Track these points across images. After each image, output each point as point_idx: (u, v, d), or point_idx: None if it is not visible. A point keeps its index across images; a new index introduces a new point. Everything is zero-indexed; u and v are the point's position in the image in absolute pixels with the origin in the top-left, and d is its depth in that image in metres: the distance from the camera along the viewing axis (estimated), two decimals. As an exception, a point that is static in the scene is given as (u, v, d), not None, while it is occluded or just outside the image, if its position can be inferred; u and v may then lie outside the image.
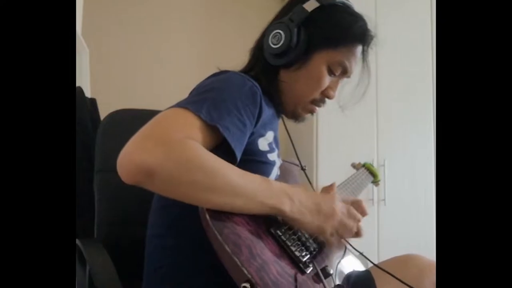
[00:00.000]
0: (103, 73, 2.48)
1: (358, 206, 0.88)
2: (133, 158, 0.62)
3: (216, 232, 0.63)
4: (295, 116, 0.96)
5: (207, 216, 0.65)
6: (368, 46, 0.93)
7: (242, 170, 0.70)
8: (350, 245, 0.86)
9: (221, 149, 0.72)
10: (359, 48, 0.92)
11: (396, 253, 0.99)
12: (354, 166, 1.25)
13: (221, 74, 0.84)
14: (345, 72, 0.92)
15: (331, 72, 0.90)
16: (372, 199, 2.38)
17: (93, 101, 1.19)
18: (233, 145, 0.72)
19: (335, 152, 2.35)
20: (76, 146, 1.06)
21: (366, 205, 0.92)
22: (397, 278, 0.80)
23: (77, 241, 0.96)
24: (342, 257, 0.89)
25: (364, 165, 1.23)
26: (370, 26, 0.93)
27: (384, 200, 2.39)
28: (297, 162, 1.04)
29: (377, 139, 2.45)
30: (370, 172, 1.23)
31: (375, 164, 2.41)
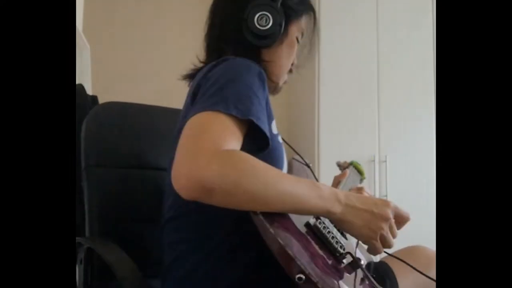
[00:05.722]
0: (104, 70, 2.48)
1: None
2: (192, 175, 0.64)
3: (269, 227, 0.64)
4: (277, 90, 1.00)
5: (259, 213, 0.66)
6: (314, 11, 1.01)
7: (290, 175, 0.72)
8: None
9: (251, 136, 0.74)
10: (311, 14, 1.00)
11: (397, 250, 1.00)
12: (339, 165, 1.24)
13: (224, 62, 0.83)
14: (302, 38, 0.99)
15: (297, 40, 0.98)
16: (374, 196, 2.38)
17: (94, 99, 1.19)
18: (267, 133, 0.74)
19: (337, 149, 2.35)
20: (78, 144, 1.06)
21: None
22: (412, 267, 0.82)
23: (82, 239, 0.96)
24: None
25: (351, 163, 1.22)
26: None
27: (386, 196, 2.39)
28: (304, 160, 1.07)
29: (379, 136, 2.45)
30: (358, 170, 1.22)
31: (375, 161, 2.41)
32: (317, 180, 1.05)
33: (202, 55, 1.00)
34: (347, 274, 0.74)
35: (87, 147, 1.04)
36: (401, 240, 1.04)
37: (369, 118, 2.45)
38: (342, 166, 1.20)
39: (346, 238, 0.85)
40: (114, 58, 2.60)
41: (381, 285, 0.87)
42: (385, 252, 0.87)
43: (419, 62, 2.51)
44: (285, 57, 0.96)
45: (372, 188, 2.39)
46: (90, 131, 1.05)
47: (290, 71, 1.00)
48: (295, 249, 0.64)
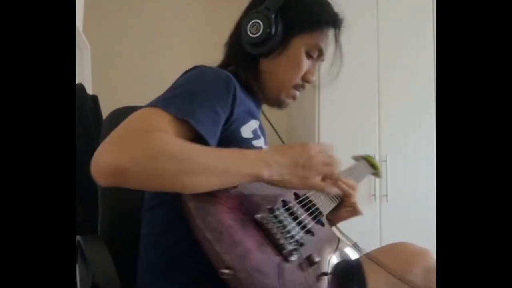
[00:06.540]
0: (104, 70, 2.48)
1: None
2: (104, 160, 0.63)
3: (197, 220, 0.63)
4: (279, 104, 0.98)
5: (189, 205, 0.65)
6: (339, 29, 0.97)
7: (215, 148, 0.71)
8: (344, 234, 0.87)
9: (197, 141, 0.73)
10: (332, 31, 0.96)
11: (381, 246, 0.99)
12: (355, 158, 1.25)
13: (192, 69, 0.85)
14: (320, 55, 0.96)
15: (309, 56, 0.94)
16: (374, 195, 2.38)
17: (94, 98, 1.19)
18: (206, 136, 0.73)
19: (337, 148, 2.34)
20: (78, 142, 1.06)
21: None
22: (382, 267, 0.80)
23: (79, 238, 0.96)
24: (336, 249, 0.88)
25: (364, 157, 1.23)
26: (337, 10, 0.98)
27: (386, 196, 2.39)
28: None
29: (379, 135, 2.45)
30: (371, 164, 1.22)
31: (377, 160, 2.41)
32: None
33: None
34: (297, 271, 0.70)
35: None
36: (402, 239, 1.04)
37: (369, 118, 2.45)
38: (357, 159, 1.21)
39: (312, 234, 0.83)
40: (114, 58, 2.60)
41: (347, 284, 0.85)
42: (362, 252, 0.86)
43: (419, 62, 2.51)
44: (284, 70, 0.93)
45: (372, 187, 2.39)
46: (106, 135, 1.07)
47: (302, 86, 0.97)
48: (226, 243, 0.62)
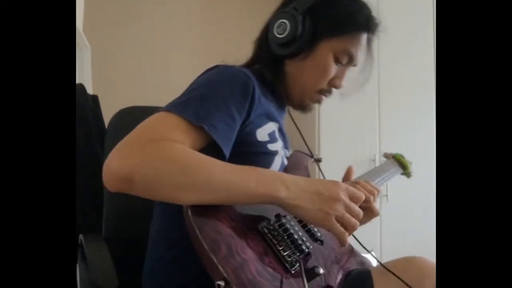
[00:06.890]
0: (104, 70, 2.48)
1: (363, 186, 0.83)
2: (111, 166, 0.63)
3: (196, 228, 0.62)
4: (302, 107, 0.95)
5: (189, 213, 0.64)
6: (373, 34, 0.91)
7: (228, 163, 0.68)
8: (360, 243, 0.85)
9: (211, 146, 0.72)
10: (364, 36, 0.90)
11: (398, 249, 0.98)
12: (385, 156, 1.23)
13: (211, 69, 0.83)
14: (351, 61, 0.90)
15: (337, 60, 0.89)
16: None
17: (95, 98, 1.19)
18: (220, 143, 0.71)
19: (338, 148, 2.35)
20: (78, 142, 1.06)
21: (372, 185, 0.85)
22: (399, 278, 0.78)
23: (81, 236, 0.96)
24: (348, 259, 0.86)
25: (394, 156, 1.20)
26: (375, 13, 0.91)
27: (386, 196, 2.39)
28: (313, 154, 1.03)
29: (380, 135, 2.45)
30: (400, 164, 1.20)
31: (376, 160, 2.41)
32: (324, 177, 1.01)
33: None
34: (299, 284, 0.68)
35: (109, 149, 1.08)
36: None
37: (369, 118, 2.46)
38: (387, 157, 1.19)
39: (321, 243, 0.81)
40: (114, 58, 2.60)
41: None
42: (378, 261, 0.84)
43: (420, 62, 2.52)
44: (309, 74, 0.89)
45: (373, 187, 2.38)
46: (112, 135, 1.08)
47: (328, 91, 0.92)
48: (223, 253, 0.61)
